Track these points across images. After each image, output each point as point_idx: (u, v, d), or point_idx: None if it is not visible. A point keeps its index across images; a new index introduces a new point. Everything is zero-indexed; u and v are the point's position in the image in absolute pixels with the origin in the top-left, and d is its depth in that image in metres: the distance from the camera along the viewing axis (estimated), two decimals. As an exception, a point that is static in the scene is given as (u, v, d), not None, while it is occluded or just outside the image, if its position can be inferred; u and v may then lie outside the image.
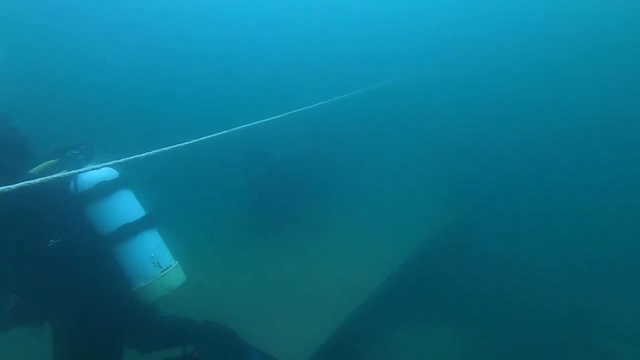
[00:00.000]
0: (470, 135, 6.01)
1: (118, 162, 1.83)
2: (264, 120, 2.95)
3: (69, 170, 1.82)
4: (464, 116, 6.16)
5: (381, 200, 5.52)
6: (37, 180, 1.48)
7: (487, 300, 4.11)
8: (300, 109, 3.42)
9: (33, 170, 1.86)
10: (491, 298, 4.12)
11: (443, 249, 4.63)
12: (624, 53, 5.55)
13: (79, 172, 1.81)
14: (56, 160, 1.97)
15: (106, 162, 1.85)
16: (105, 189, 1.97)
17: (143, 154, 1.84)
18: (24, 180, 1.44)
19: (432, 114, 6.38)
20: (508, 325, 3.81)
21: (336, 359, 3.39)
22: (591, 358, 3.39)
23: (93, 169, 1.82)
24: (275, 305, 3.59)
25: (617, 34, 5.56)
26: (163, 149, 1.97)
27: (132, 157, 1.79)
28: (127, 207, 2.04)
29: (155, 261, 2.02)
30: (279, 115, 3.15)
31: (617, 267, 4.32)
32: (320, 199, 5.63)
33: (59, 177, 1.57)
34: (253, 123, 2.81)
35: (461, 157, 5.88)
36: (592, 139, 5.50)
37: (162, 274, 2.03)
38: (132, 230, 1.98)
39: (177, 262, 2.18)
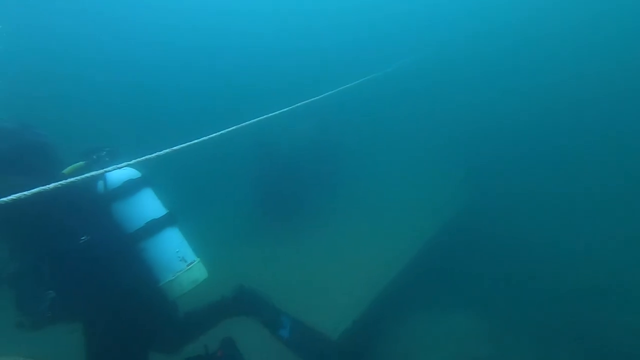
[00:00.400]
0: (483, 116, 5.85)
1: (129, 164, 1.88)
2: (274, 113, 2.98)
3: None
4: (475, 97, 6.00)
5: (396, 187, 5.50)
6: (66, 182, 1.54)
7: (507, 282, 4.05)
8: (307, 100, 3.43)
9: (64, 172, 1.95)
10: (512, 280, 4.07)
11: (460, 232, 4.59)
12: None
13: (102, 172, 1.87)
14: (84, 162, 2.05)
15: (125, 162, 1.90)
16: (130, 188, 2.06)
17: (154, 154, 1.90)
18: (53, 182, 1.50)
19: (442, 97, 6.24)
20: (529, 306, 3.76)
21: (358, 347, 3.44)
22: (617, 333, 3.35)
23: (103, 171, 1.86)
24: (295, 297, 3.62)
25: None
26: (173, 148, 2.02)
27: (144, 157, 1.84)
28: (150, 205, 2.12)
29: (181, 256, 2.09)
30: (288, 108, 3.17)
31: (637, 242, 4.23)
32: (334, 188, 5.65)
33: (85, 178, 1.63)
34: (262, 117, 2.83)
35: (475, 139, 5.76)
36: (615, 116, 5.30)
37: (188, 267, 2.10)
38: (157, 226, 2.07)
39: (198, 258, 2.24)
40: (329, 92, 3.68)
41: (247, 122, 2.54)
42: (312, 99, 3.53)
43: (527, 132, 5.62)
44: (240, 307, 2.51)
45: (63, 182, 1.51)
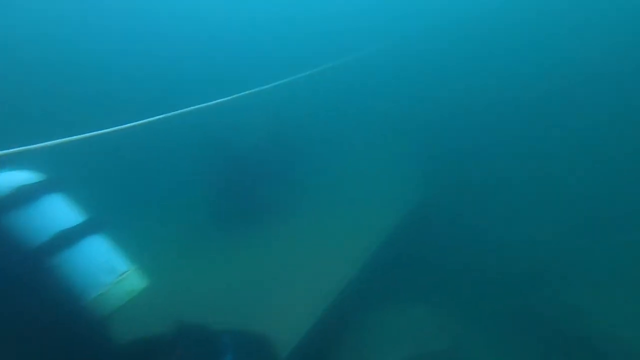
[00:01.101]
0: (443, 106, 5.84)
1: (35, 150, 1.51)
2: (219, 100, 2.72)
3: None
4: (435, 88, 5.99)
5: (354, 181, 5.38)
6: None
7: (463, 273, 4.10)
8: (258, 89, 3.21)
9: None
10: (467, 271, 4.12)
11: (421, 225, 4.58)
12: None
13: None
14: None
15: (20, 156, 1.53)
16: (26, 195, 1.67)
17: (67, 139, 1.53)
18: None
19: (402, 88, 6.17)
20: (484, 296, 3.82)
21: (322, 345, 3.28)
22: (576, 320, 3.47)
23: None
24: (251, 300, 3.38)
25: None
26: (93, 133, 1.66)
27: (48, 143, 1.48)
28: (60, 211, 1.74)
29: (109, 266, 1.77)
30: (235, 95, 2.92)
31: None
32: (288, 184, 5.38)
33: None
34: (207, 104, 2.57)
35: (434, 130, 5.75)
36: (575, 99, 5.26)
37: (120, 278, 1.78)
38: (72, 236, 1.70)
39: (133, 266, 1.93)
40: (283, 81, 3.47)
41: (188, 109, 2.23)
42: (263, 87, 3.30)
43: (485, 122, 5.59)
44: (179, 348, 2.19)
45: None
